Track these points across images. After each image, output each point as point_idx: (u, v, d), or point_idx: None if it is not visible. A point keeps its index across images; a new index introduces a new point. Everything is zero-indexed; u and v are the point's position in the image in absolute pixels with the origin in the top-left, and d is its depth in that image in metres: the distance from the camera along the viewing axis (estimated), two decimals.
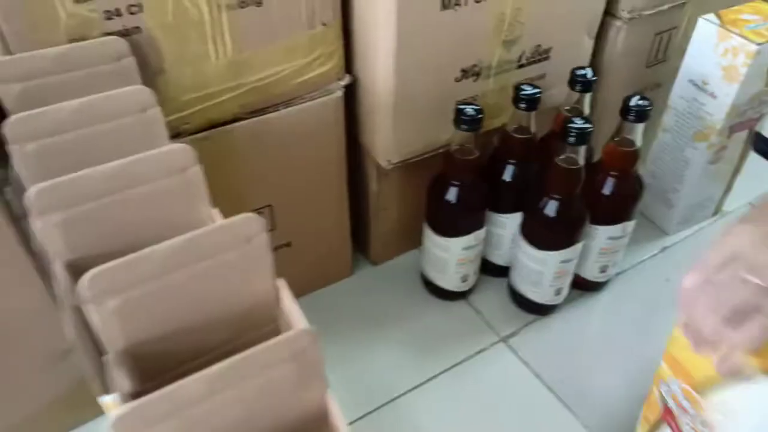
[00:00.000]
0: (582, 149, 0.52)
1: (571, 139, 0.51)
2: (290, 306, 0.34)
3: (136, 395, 0.34)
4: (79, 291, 0.29)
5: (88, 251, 0.34)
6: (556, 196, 0.55)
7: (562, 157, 0.53)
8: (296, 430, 0.32)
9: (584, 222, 0.56)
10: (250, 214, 0.31)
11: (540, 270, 0.58)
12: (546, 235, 0.57)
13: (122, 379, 0.33)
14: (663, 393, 0.45)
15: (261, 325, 0.36)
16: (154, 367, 0.34)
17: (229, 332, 0.35)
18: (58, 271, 0.35)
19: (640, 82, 0.69)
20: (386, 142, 0.56)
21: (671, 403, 0.43)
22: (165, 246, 0.30)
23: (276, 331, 0.37)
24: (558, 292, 0.61)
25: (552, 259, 0.57)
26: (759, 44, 0.56)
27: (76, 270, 0.30)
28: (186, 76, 0.47)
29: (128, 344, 0.31)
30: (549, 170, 0.54)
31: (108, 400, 0.34)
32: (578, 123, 0.51)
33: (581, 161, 0.53)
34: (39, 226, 0.33)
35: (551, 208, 0.55)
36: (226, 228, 0.31)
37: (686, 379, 0.42)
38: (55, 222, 0.33)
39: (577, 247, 0.58)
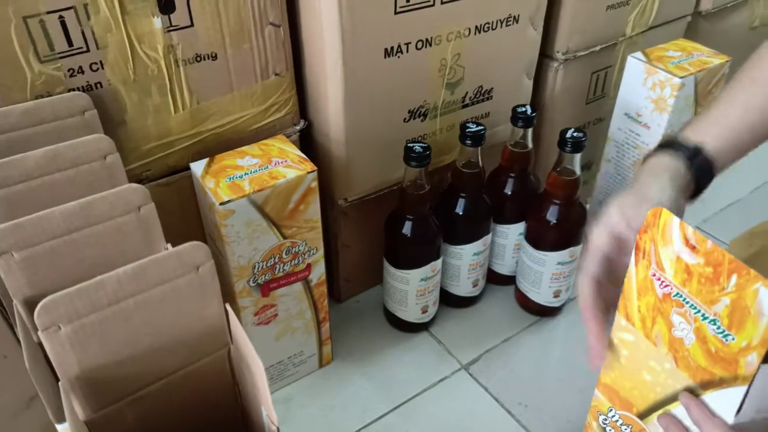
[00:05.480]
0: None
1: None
2: (239, 331, 0.36)
3: (90, 423, 0.35)
4: (35, 320, 0.31)
5: (48, 287, 0.36)
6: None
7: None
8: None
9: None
10: (197, 243, 0.34)
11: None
12: None
13: (77, 406, 0.34)
14: (601, 423, 0.46)
15: (213, 349, 0.38)
16: (109, 394, 0.35)
17: (182, 357, 0.37)
18: (19, 308, 0.37)
19: (581, 118, 0.74)
20: (341, 181, 0.59)
21: None
22: (116, 274, 0.32)
23: (228, 355, 0.39)
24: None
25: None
26: (682, 77, 0.61)
27: (36, 306, 0.32)
28: (147, 126, 0.50)
29: (82, 371, 0.33)
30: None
31: (62, 429, 0.36)
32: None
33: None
34: (0, 264, 0.35)
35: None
36: (174, 256, 0.33)
37: (625, 407, 0.43)
38: (16, 260, 0.35)
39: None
